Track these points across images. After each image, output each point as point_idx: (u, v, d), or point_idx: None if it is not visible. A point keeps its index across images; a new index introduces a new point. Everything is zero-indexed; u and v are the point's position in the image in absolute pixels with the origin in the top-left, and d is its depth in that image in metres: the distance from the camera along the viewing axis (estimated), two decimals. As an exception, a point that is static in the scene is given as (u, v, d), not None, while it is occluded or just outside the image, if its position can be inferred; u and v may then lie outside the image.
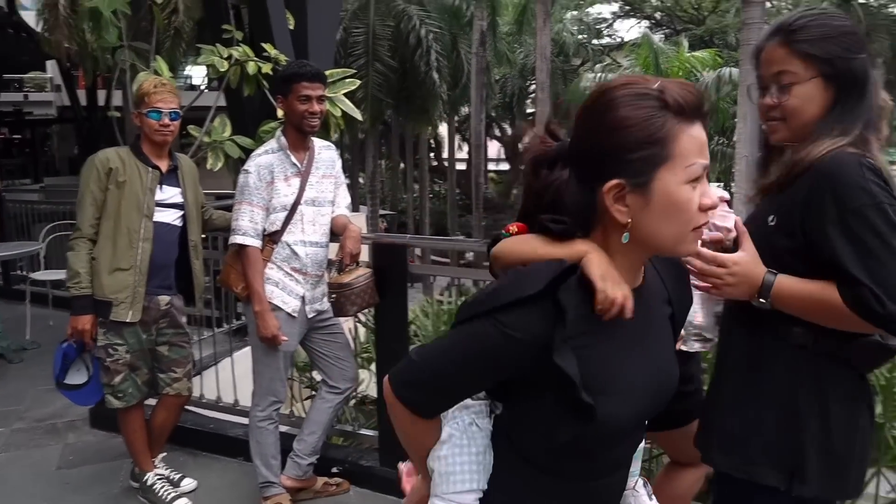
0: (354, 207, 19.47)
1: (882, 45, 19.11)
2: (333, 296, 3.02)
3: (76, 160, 18.98)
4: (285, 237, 3.05)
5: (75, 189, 3.19)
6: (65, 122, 22.18)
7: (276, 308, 3.03)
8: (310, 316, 3.15)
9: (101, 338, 3.10)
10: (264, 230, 3.04)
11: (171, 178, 3.19)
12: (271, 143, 3.12)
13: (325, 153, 3.20)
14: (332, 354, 3.24)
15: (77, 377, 3.23)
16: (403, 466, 1.52)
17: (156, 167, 3.13)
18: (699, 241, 1.18)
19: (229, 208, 3.19)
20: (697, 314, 2.15)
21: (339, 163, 3.27)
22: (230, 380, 3.95)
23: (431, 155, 33.71)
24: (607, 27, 30.61)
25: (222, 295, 4.89)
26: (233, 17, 4.57)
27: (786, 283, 1.49)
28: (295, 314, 3.08)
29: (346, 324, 3.51)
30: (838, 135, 1.50)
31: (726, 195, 2.17)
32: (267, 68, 4.12)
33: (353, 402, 3.86)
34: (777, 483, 1.53)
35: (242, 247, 3.02)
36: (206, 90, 4.70)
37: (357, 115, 4.13)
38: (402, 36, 20.48)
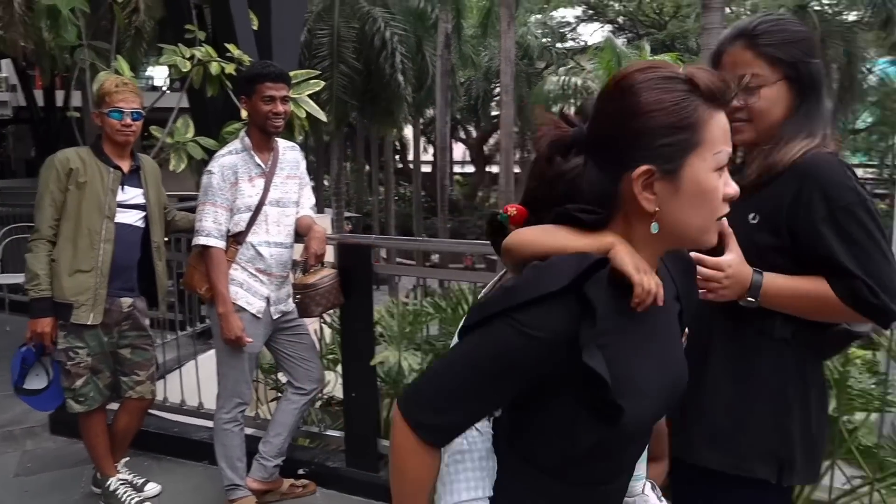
0: (319, 210, 19.36)
1: (836, 51, 19.58)
2: (298, 296, 3.01)
3: (33, 162, 18.57)
4: (249, 238, 3.04)
5: (32, 191, 3.14)
6: (21, 123, 21.69)
7: (241, 309, 3.02)
8: (275, 317, 3.14)
9: (62, 341, 3.05)
10: (228, 231, 3.02)
11: (133, 178, 3.16)
12: (235, 144, 3.10)
13: (290, 154, 3.19)
14: (297, 355, 3.23)
15: (36, 382, 3.17)
16: None
17: (117, 168, 3.09)
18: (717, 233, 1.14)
19: (193, 210, 3.17)
20: None
21: (303, 163, 3.26)
22: (194, 383, 3.91)
23: (397, 157, 33.69)
24: (571, 31, 30.94)
25: (186, 297, 4.84)
26: (195, 16, 4.54)
27: (773, 281, 1.53)
28: (259, 315, 3.07)
29: (312, 325, 3.50)
30: (806, 136, 1.56)
31: None
32: (230, 69, 4.10)
33: (319, 403, 3.85)
34: (768, 476, 1.57)
35: (206, 248, 3.00)
36: (168, 91, 4.65)
37: (322, 116, 4.12)
38: (366, 38, 20.42)
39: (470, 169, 36.70)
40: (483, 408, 1.10)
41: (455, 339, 1.32)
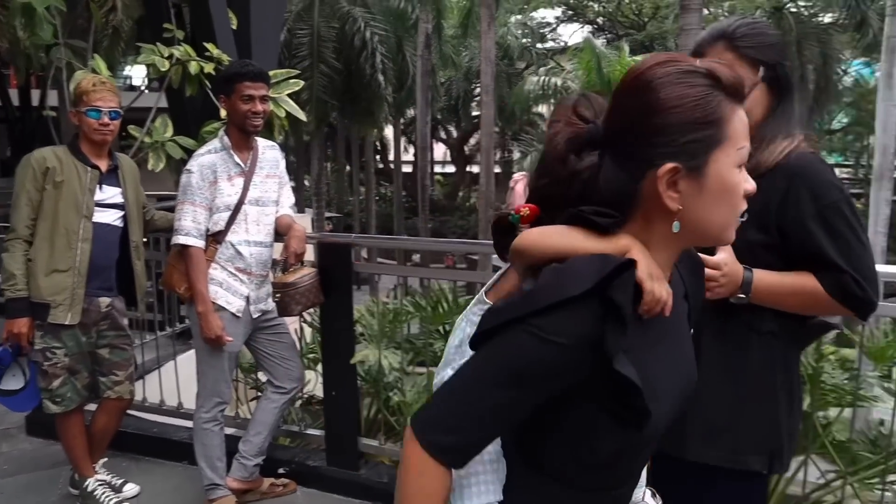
0: (300, 210, 19.25)
1: (812, 52, 19.84)
2: (278, 295, 3.01)
3: (8, 162, 18.31)
4: (229, 237, 3.03)
5: (8, 191, 3.11)
6: (-5, 123, 21.38)
7: (221, 308, 3.01)
8: (254, 316, 3.13)
9: (39, 341, 3.02)
10: (207, 230, 3.02)
11: (111, 177, 3.14)
12: (214, 143, 3.10)
13: (269, 153, 3.19)
14: (277, 354, 3.23)
15: (13, 383, 3.14)
16: None
17: (95, 167, 3.08)
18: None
19: (172, 209, 3.16)
20: None
21: (282, 162, 3.26)
22: (174, 383, 3.90)
23: (377, 157, 33.62)
24: (551, 31, 31.02)
25: (165, 297, 4.81)
26: (173, 15, 4.52)
27: (763, 277, 1.58)
28: (239, 314, 3.06)
29: (293, 324, 3.50)
30: (785, 137, 1.61)
31: None
32: (209, 68, 4.09)
33: (299, 402, 3.85)
34: (761, 467, 1.63)
35: (185, 247, 2.99)
36: (146, 90, 4.63)
37: (301, 115, 4.12)
38: (347, 38, 20.37)
39: (451, 169, 36.73)
40: (503, 424, 1.03)
41: (453, 344, 1.30)
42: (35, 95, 15.16)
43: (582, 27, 29.67)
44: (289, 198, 3.27)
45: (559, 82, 18.49)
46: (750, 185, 1.06)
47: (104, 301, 3.12)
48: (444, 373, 1.29)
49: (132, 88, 19.44)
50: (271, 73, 3.71)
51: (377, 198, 31.44)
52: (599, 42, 20.49)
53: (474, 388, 1.01)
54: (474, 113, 29.03)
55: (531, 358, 0.97)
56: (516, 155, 24.26)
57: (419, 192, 23.10)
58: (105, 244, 3.08)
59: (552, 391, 1.01)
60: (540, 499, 1.11)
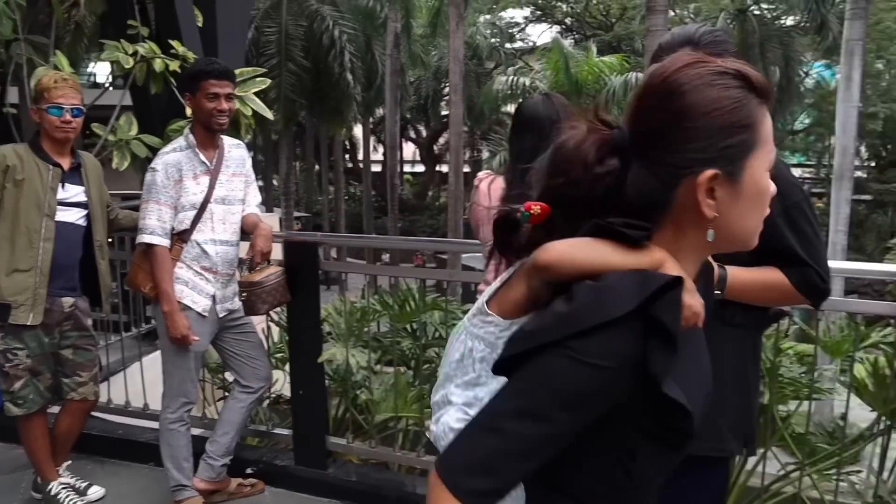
0: (268, 209, 19.14)
1: (775, 54, 20.25)
2: (244, 294, 3.01)
3: (-32, 161, 17.91)
4: (195, 236, 3.01)
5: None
6: (-46, 120, 20.88)
7: (186, 308, 2.99)
8: (221, 315, 3.12)
9: (0, 342, 2.98)
10: (173, 229, 3.00)
11: (73, 176, 3.10)
12: (179, 141, 3.08)
13: (235, 151, 3.18)
14: (244, 354, 3.22)
15: (-27, 385, 3.09)
16: None
17: (57, 165, 3.03)
18: None
19: (137, 208, 3.13)
20: None
21: (249, 161, 3.25)
22: (140, 385, 3.86)
23: (346, 156, 33.51)
24: (520, 31, 31.22)
25: (131, 298, 4.76)
26: (138, 12, 4.45)
27: (737, 274, 1.66)
28: (206, 314, 3.05)
29: (260, 324, 3.49)
30: None
31: None
32: (175, 66, 4.05)
33: (267, 402, 3.84)
34: (738, 451, 1.76)
35: (150, 246, 2.97)
36: (110, 88, 4.57)
37: (268, 114, 4.10)
38: (315, 36, 20.28)
39: (420, 168, 36.76)
40: (543, 458, 0.94)
41: (453, 358, 1.19)
42: (-5, 92, 14.84)
43: (550, 27, 29.90)
44: (255, 196, 3.26)
45: (528, 82, 18.59)
46: (773, 187, 1.03)
47: (67, 301, 3.08)
48: (447, 390, 1.18)
49: (96, 86, 19.10)
50: (238, 71, 3.69)
51: (346, 197, 31.34)
52: (567, 42, 20.66)
53: (511, 423, 0.92)
54: (443, 112, 29.08)
55: (574, 384, 0.90)
56: (485, 154, 24.39)
57: (388, 191, 23.09)
58: (68, 243, 3.04)
59: (595, 417, 0.94)
60: None
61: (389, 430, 3.61)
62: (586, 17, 28.88)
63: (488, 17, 30.08)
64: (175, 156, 3.01)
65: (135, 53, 3.98)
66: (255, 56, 18.49)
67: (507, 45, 29.65)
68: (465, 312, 3.91)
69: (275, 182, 28.39)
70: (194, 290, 3.02)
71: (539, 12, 29.86)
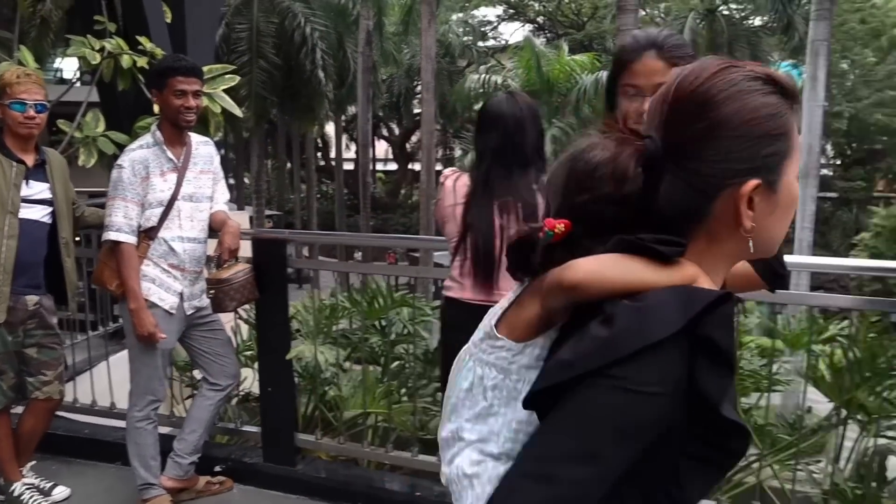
0: (240, 207, 19.00)
1: (743, 53, 20.52)
2: (212, 291, 3.00)
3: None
4: (162, 233, 3.00)
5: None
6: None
7: (153, 305, 2.98)
8: (188, 313, 3.11)
9: (-38, 341, 2.94)
10: (140, 226, 2.98)
11: (38, 173, 3.07)
12: (146, 138, 3.06)
13: (203, 149, 3.17)
14: (212, 351, 3.21)
15: (-65, 384, 3.05)
16: None
17: (21, 161, 3.00)
18: None
19: (103, 206, 3.11)
20: None
21: (217, 158, 3.24)
22: (106, 384, 3.83)
23: (318, 154, 33.38)
24: (492, 30, 31.33)
25: (97, 296, 4.71)
26: (105, 7, 4.40)
27: None
28: (173, 311, 3.04)
29: (229, 322, 3.48)
30: None
31: None
32: (142, 62, 4.01)
33: (235, 399, 3.83)
34: None
35: (116, 243, 2.95)
36: (77, 84, 4.51)
37: (237, 111, 4.09)
38: (286, 33, 20.15)
39: (393, 166, 36.71)
40: (595, 497, 0.86)
41: (461, 387, 1.09)
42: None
43: (523, 26, 30.04)
44: (223, 194, 3.25)
45: (500, 80, 18.65)
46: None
47: (31, 299, 3.05)
48: (457, 424, 1.07)
49: (63, 82, 18.79)
50: (207, 68, 3.68)
51: (318, 195, 31.20)
52: (539, 41, 20.79)
53: (564, 469, 0.85)
54: (416, 110, 29.08)
55: (629, 416, 0.84)
56: (458, 152, 24.40)
57: (361, 189, 23.01)
58: (32, 241, 3.01)
59: (645, 447, 0.87)
60: None
61: (358, 427, 3.63)
62: (558, 15, 29.07)
63: (461, 15, 30.14)
64: (142, 152, 2.99)
65: (102, 49, 3.94)
66: (226, 53, 18.33)
67: (480, 44, 29.71)
68: (433, 309, 3.93)
69: (246, 180, 28.17)
70: (161, 288, 3.01)
71: (511, 11, 29.99)
